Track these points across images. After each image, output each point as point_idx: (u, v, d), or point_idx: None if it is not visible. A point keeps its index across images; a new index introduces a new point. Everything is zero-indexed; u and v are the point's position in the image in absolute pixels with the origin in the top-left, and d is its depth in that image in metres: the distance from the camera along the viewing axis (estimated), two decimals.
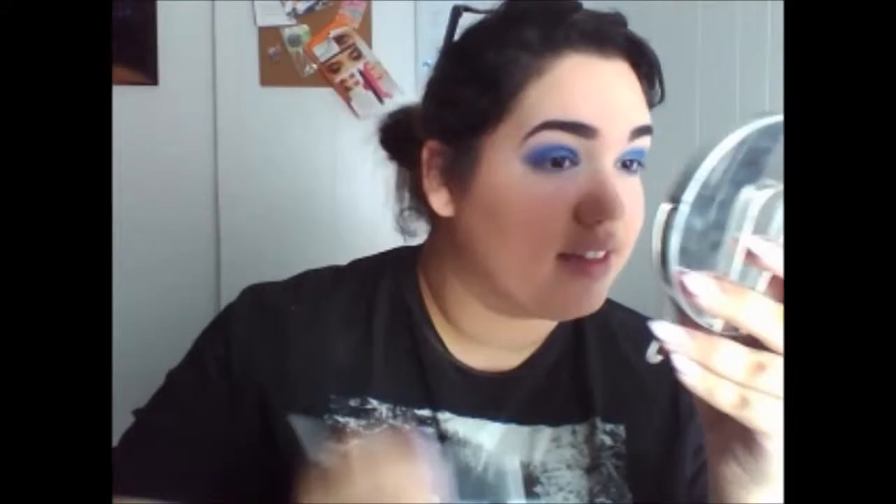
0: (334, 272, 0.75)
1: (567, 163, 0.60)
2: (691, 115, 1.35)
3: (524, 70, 0.61)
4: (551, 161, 0.60)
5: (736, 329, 0.43)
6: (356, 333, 0.70)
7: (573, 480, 0.69)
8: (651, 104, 0.66)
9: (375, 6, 1.94)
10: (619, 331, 0.75)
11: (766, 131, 0.42)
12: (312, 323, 0.70)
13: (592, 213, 0.60)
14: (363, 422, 0.67)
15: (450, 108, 0.65)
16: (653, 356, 0.45)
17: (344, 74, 1.93)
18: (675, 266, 0.43)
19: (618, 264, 0.64)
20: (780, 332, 0.41)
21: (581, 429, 0.70)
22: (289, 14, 1.92)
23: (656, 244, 0.43)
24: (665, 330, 0.43)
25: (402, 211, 0.74)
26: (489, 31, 0.65)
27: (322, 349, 0.69)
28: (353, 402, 0.68)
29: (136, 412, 0.72)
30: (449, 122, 0.65)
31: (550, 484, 0.69)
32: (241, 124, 1.92)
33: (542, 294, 0.63)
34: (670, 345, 0.43)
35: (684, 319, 0.44)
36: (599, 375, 0.72)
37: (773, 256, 0.41)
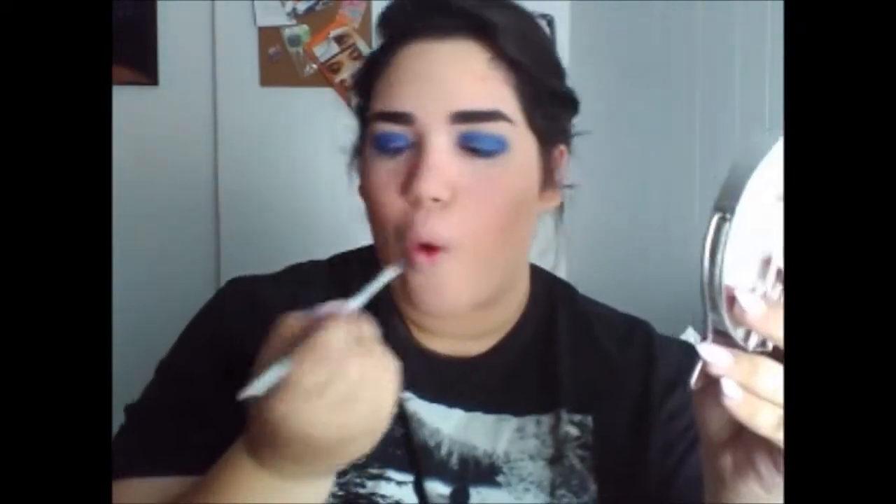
0: (314, 265, 0.78)
1: (405, 145, 0.64)
2: (691, 115, 1.36)
3: (378, 62, 0.67)
4: (393, 146, 0.64)
5: (764, 344, 0.43)
6: None
7: (535, 471, 0.69)
8: (529, 81, 0.65)
9: (375, 6, 1.94)
10: (595, 321, 0.75)
11: None
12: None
13: (407, 187, 0.62)
14: None
15: (354, 93, 0.71)
16: (696, 381, 0.44)
17: (344, 74, 1.93)
18: (724, 281, 0.42)
19: (459, 259, 0.63)
20: None
21: (546, 419, 0.70)
22: (289, 14, 1.92)
23: (706, 255, 0.42)
24: (713, 353, 0.42)
25: None
26: (378, 19, 0.70)
27: None
28: None
29: (129, 407, 0.72)
30: (353, 109, 0.70)
31: (512, 474, 0.69)
32: (241, 124, 1.92)
33: (404, 284, 0.65)
34: (719, 369, 0.42)
35: (715, 337, 0.43)
36: (569, 365, 0.72)
37: None
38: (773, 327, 0.42)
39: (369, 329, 0.52)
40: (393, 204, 0.64)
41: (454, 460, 0.69)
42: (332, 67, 1.93)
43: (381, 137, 0.64)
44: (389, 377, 0.51)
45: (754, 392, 0.42)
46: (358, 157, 0.71)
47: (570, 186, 0.74)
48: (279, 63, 1.92)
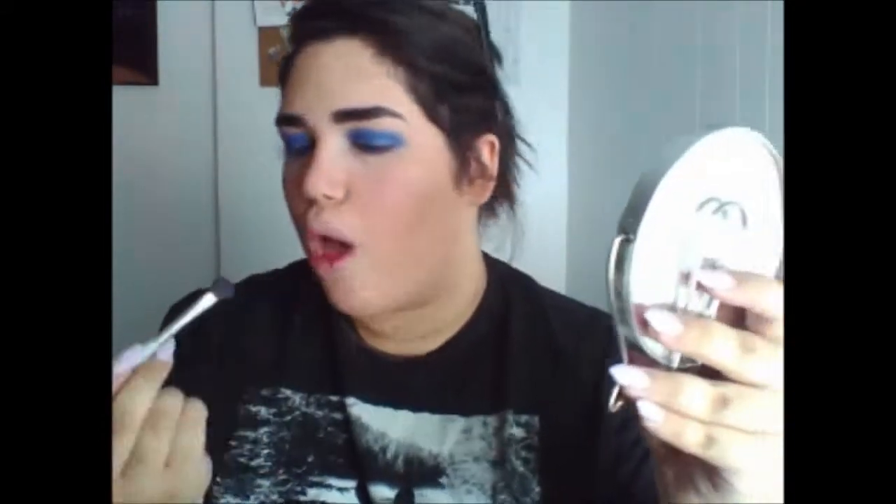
0: (273, 274, 0.80)
1: (306, 146, 0.65)
2: (691, 115, 1.35)
3: (283, 69, 0.69)
4: (297, 148, 0.66)
5: (692, 360, 0.41)
6: (277, 330, 0.74)
7: (478, 473, 0.68)
8: (427, 75, 0.65)
9: None
10: (553, 314, 0.74)
11: (714, 144, 0.39)
12: (236, 326, 0.73)
13: (301, 186, 0.64)
14: (274, 409, 0.71)
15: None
16: (614, 404, 0.42)
17: None
18: (633, 301, 0.40)
19: (361, 260, 0.64)
20: (746, 362, 0.39)
21: (492, 420, 0.69)
22: (289, 14, 1.91)
23: (611, 278, 0.40)
24: (628, 375, 0.40)
25: None
26: (286, 28, 0.72)
27: (240, 346, 0.73)
28: (265, 392, 0.71)
29: None
30: None
31: (455, 476, 0.68)
32: (241, 124, 1.92)
33: (322, 284, 0.66)
34: (635, 391, 0.40)
35: (635, 356, 0.41)
36: (521, 363, 0.71)
37: (724, 285, 0.39)
38: (693, 345, 0.39)
39: (149, 389, 0.50)
40: (295, 202, 0.66)
41: (400, 463, 0.69)
42: None
43: (286, 140, 0.67)
44: (173, 442, 0.50)
45: (677, 412, 0.39)
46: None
47: (510, 175, 0.73)
48: (279, 63, 1.92)
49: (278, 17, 1.91)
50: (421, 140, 0.65)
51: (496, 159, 0.70)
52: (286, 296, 0.73)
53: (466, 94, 0.67)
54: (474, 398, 0.70)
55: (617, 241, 0.40)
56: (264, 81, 1.92)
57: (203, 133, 1.92)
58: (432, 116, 0.65)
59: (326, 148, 0.63)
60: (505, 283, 0.76)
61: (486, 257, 0.77)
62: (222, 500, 0.68)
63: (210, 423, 0.53)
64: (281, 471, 0.69)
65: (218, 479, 0.69)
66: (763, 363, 0.39)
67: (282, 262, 0.82)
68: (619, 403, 0.42)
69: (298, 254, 0.78)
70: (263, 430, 0.70)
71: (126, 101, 1.76)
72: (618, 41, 1.65)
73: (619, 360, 0.41)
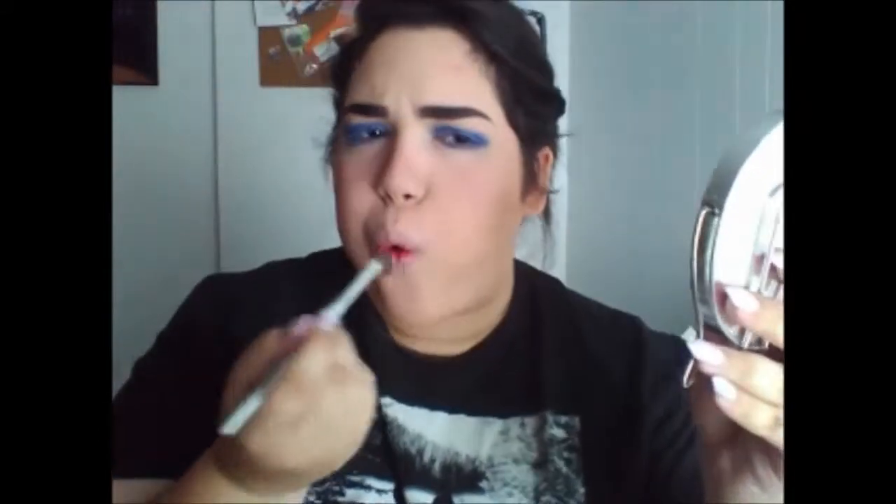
0: (290, 263, 0.76)
1: (378, 133, 0.62)
2: (691, 115, 1.36)
3: (354, 51, 0.64)
4: (366, 139, 0.62)
5: (760, 342, 0.42)
6: None
7: (519, 476, 0.67)
8: (510, 76, 0.63)
9: None
10: (583, 317, 0.74)
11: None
12: (264, 312, 0.70)
13: (379, 181, 0.60)
14: None
15: (331, 85, 0.69)
16: (688, 379, 0.43)
17: None
18: (714, 277, 0.41)
19: (431, 263, 0.61)
20: None
21: (531, 421, 0.68)
22: (289, 14, 1.92)
23: (694, 255, 0.41)
24: (705, 351, 0.41)
25: None
26: (356, 6, 0.67)
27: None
28: None
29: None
30: (332, 101, 0.69)
31: (496, 479, 0.67)
32: (241, 124, 1.92)
33: (377, 287, 0.62)
34: (711, 367, 0.41)
35: (710, 336, 0.43)
36: (555, 364, 0.70)
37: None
38: (767, 325, 0.40)
39: (344, 350, 0.50)
40: (364, 199, 0.61)
41: (437, 468, 0.67)
42: None
43: (354, 129, 0.62)
44: (365, 403, 0.50)
45: (749, 391, 0.41)
46: (332, 151, 0.69)
47: (553, 192, 0.72)
48: (279, 63, 1.92)
49: (278, 17, 1.92)
50: (501, 143, 0.63)
51: (548, 172, 0.69)
52: (312, 290, 0.69)
53: (538, 99, 0.66)
54: (510, 399, 0.69)
55: (702, 213, 0.41)
56: (264, 81, 1.93)
57: (203, 133, 1.93)
58: (511, 120, 0.63)
59: (411, 142, 0.60)
60: (533, 285, 0.74)
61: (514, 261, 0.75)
62: None
63: None
64: None
65: None
66: None
67: None
68: (692, 380, 0.43)
69: (298, 254, 0.78)
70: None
71: (126, 101, 1.76)
72: (618, 41, 1.65)
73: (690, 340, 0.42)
